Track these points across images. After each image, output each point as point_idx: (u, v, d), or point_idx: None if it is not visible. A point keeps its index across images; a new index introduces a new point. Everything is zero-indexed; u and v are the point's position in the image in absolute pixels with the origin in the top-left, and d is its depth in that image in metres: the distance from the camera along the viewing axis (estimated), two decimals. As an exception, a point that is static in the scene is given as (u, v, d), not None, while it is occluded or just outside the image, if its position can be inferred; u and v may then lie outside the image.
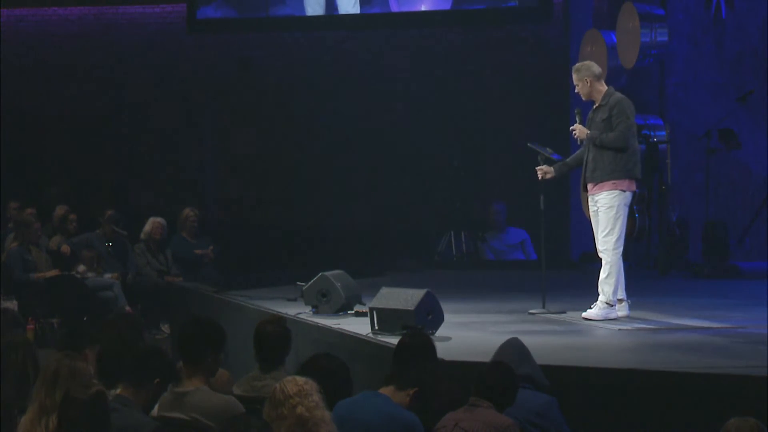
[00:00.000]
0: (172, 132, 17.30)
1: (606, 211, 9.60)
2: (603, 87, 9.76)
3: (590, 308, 9.58)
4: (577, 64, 9.97)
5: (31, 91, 17.43)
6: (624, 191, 9.60)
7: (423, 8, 16.51)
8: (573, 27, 15.93)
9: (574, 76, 9.79)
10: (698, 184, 14.36)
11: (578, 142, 9.97)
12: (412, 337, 7.00)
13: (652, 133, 13.72)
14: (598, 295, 9.58)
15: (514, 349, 6.72)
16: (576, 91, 9.84)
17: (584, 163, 9.78)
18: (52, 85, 17.46)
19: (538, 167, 9.92)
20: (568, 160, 10.03)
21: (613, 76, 13.62)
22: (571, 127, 9.90)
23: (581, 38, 14.65)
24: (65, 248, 13.94)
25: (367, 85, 16.63)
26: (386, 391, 6.16)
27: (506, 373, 6.15)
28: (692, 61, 15.05)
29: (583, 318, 9.54)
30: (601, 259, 9.65)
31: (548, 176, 9.93)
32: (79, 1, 17.48)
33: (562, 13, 16.13)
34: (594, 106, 9.81)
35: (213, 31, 17.19)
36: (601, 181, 9.61)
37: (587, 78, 9.71)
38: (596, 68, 9.79)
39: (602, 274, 9.58)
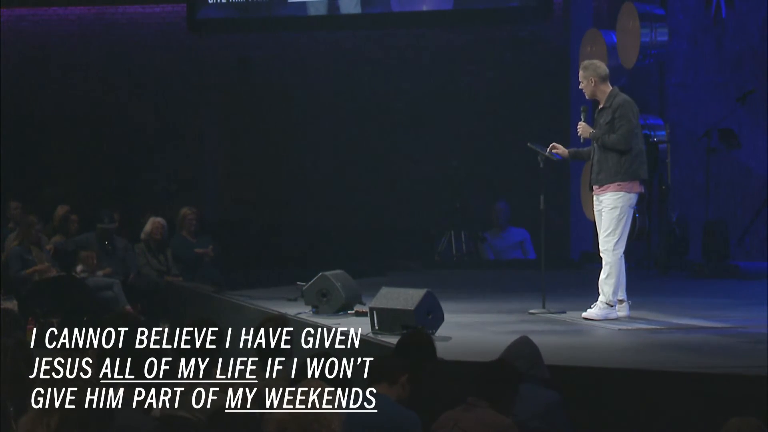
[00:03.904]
0: (172, 132, 17.29)
1: (610, 211, 9.59)
2: (608, 88, 9.74)
3: (590, 308, 9.58)
4: (586, 62, 9.95)
5: (31, 91, 17.42)
6: (629, 192, 9.59)
7: (424, 8, 16.50)
8: (573, 27, 15.92)
9: (581, 74, 9.78)
10: (698, 184, 14.35)
11: (581, 140, 9.96)
12: (412, 336, 7.00)
13: (652, 133, 13.71)
14: (598, 295, 9.58)
15: (527, 350, 6.73)
16: (580, 87, 9.84)
17: (590, 164, 9.78)
18: (52, 85, 17.44)
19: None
20: (582, 149, 10.00)
21: (613, 76, 13.56)
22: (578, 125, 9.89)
23: (581, 38, 14.63)
24: (49, 246, 13.94)
25: (367, 84, 16.62)
26: (381, 388, 6.14)
27: (505, 372, 6.14)
28: (692, 61, 15.05)
29: (583, 318, 9.53)
30: (602, 259, 9.65)
31: (559, 152, 9.90)
32: (79, 1, 17.47)
33: (562, 13, 16.12)
34: (599, 108, 9.82)
35: (213, 31, 17.18)
36: (606, 184, 9.61)
37: (592, 78, 9.70)
38: (603, 69, 9.77)
39: (602, 275, 9.57)
